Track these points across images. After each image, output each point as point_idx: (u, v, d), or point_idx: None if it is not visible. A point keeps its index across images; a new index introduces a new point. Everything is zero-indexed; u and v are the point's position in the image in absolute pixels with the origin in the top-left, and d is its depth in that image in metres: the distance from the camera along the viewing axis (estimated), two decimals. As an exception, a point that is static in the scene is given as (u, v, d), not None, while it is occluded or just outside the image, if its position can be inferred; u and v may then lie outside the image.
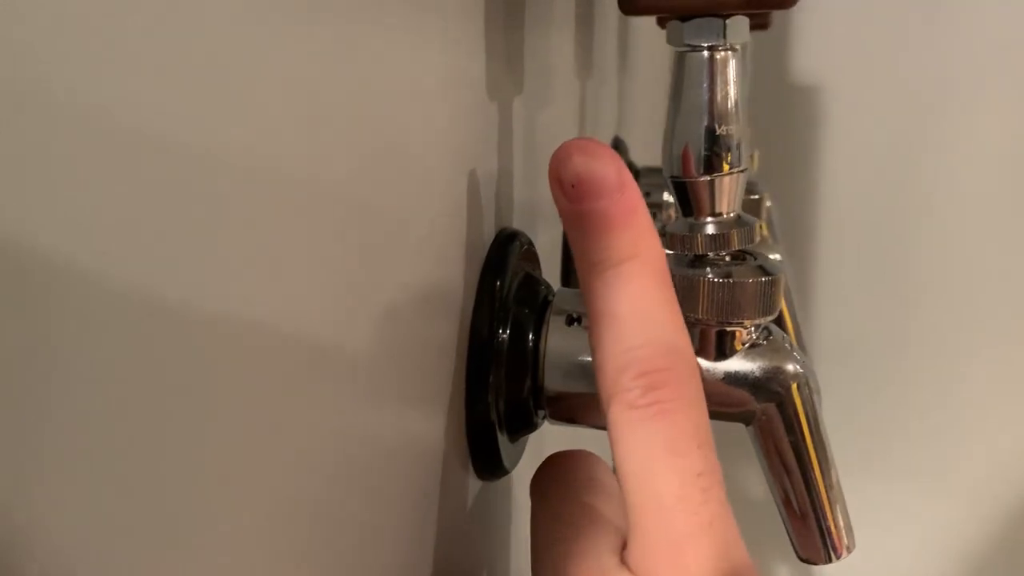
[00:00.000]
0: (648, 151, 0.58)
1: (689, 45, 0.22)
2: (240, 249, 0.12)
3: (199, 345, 0.11)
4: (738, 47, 0.23)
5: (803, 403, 0.24)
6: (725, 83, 0.22)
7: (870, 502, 0.94)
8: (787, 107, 0.86)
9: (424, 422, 0.21)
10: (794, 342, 0.40)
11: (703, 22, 0.22)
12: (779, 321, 0.40)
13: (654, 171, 0.54)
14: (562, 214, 0.20)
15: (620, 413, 0.19)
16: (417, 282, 0.20)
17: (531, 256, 0.28)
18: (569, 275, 0.37)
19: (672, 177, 0.24)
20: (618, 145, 0.54)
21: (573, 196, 0.20)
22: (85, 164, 0.09)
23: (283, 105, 0.13)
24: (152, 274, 0.10)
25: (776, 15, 0.84)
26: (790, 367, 0.24)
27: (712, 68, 0.22)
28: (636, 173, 0.53)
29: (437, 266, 0.21)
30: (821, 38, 0.84)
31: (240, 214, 0.12)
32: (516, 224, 0.28)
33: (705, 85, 0.22)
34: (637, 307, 0.19)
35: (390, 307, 0.18)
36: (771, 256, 0.39)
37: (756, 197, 0.37)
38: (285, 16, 0.13)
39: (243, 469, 0.13)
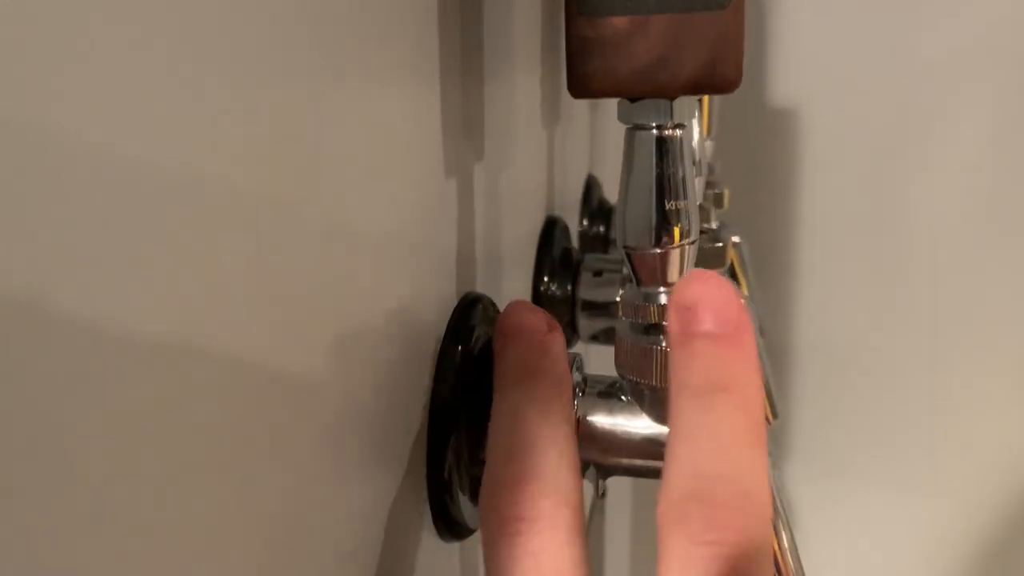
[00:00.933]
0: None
1: (637, 124, 0.23)
2: (194, 314, 0.13)
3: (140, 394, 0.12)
4: (686, 124, 0.24)
5: (755, 465, 0.24)
6: (673, 160, 0.23)
7: (854, 507, 0.95)
8: (765, 127, 0.87)
9: (383, 484, 0.22)
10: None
11: (650, 103, 0.23)
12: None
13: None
14: (671, 338, 0.20)
15: (677, 544, 0.18)
16: (378, 348, 0.20)
17: (494, 320, 0.28)
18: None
19: (625, 247, 0.24)
20: (591, 183, 0.54)
21: (687, 319, 0.20)
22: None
23: (237, 172, 0.14)
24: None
25: (752, 42, 0.85)
26: (742, 431, 0.24)
27: (661, 146, 0.23)
28: (610, 210, 0.54)
29: (398, 332, 0.22)
30: (797, 60, 0.85)
31: (186, 285, 0.13)
32: (480, 287, 0.29)
33: (654, 162, 0.23)
34: (719, 438, 0.18)
35: (350, 372, 0.19)
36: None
37: (720, 245, 0.38)
38: (241, 79, 0.14)
39: (186, 526, 0.13)
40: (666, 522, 0.18)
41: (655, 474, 0.25)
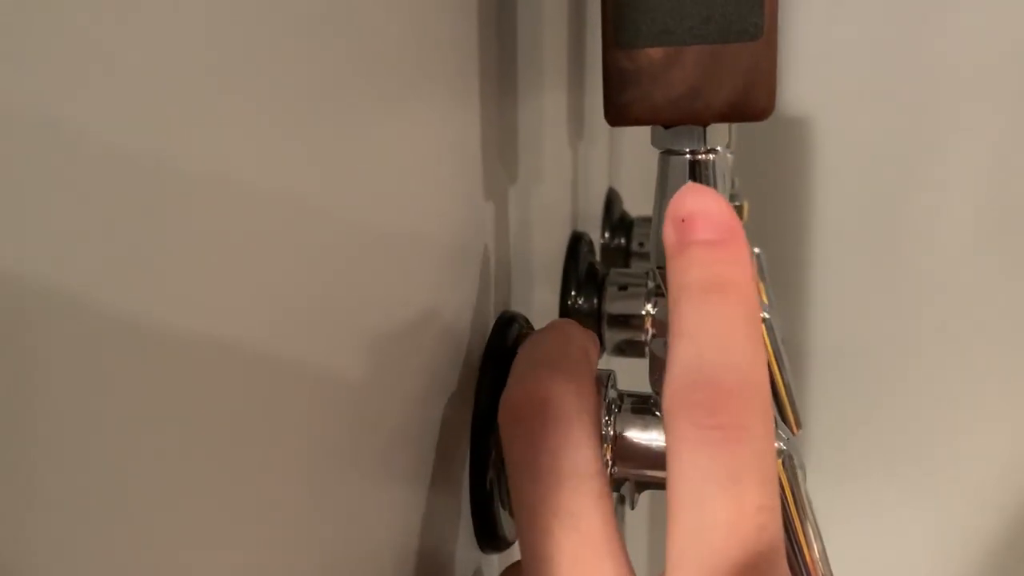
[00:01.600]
0: (641, 201, 0.60)
1: (671, 150, 0.24)
2: (238, 342, 0.14)
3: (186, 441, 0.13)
4: (719, 149, 0.24)
5: (788, 479, 0.25)
6: (706, 184, 0.24)
7: (871, 511, 0.95)
8: (781, 139, 0.88)
9: (429, 499, 0.23)
10: (785, 403, 0.41)
11: (684, 130, 0.23)
12: (771, 380, 0.41)
13: (647, 220, 0.55)
14: (668, 248, 0.21)
15: (683, 430, 0.18)
16: (424, 364, 0.21)
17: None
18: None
19: (659, 268, 0.25)
20: (612, 196, 0.55)
21: (683, 229, 0.20)
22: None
23: (281, 193, 0.15)
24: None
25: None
26: (776, 445, 0.25)
27: (694, 171, 0.24)
28: (630, 223, 0.55)
29: (440, 352, 0.23)
30: (813, 72, 0.86)
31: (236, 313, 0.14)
32: (515, 305, 0.29)
33: (688, 185, 0.24)
34: (720, 331, 0.19)
35: (398, 388, 0.20)
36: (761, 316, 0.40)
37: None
38: (290, 114, 0.15)
39: (236, 539, 0.14)
40: (672, 409, 0.18)
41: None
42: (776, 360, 0.40)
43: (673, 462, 0.18)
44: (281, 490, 0.15)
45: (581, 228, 0.44)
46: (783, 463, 0.25)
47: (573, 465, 0.21)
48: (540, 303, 0.35)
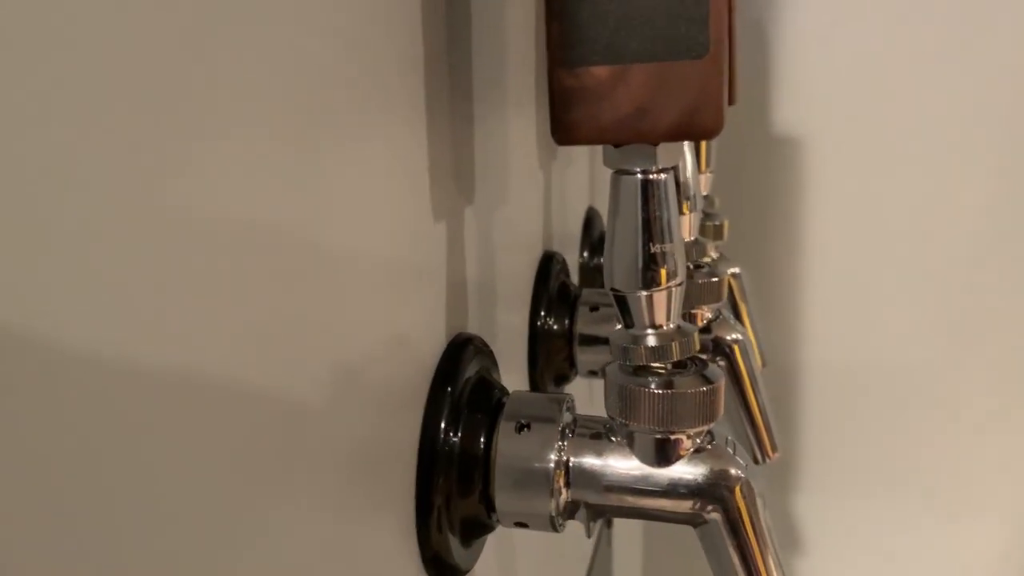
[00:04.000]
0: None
1: (622, 169, 0.23)
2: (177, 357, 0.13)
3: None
4: (672, 167, 0.24)
5: (746, 506, 0.24)
6: (659, 203, 0.23)
7: (866, 532, 0.94)
8: (769, 159, 0.88)
9: (372, 527, 0.22)
10: (760, 427, 0.41)
11: (634, 149, 0.23)
12: (745, 404, 0.40)
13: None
14: None
15: None
16: (367, 391, 0.21)
17: (488, 358, 0.29)
18: (536, 366, 0.38)
19: (613, 290, 0.25)
20: (592, 216, 0.55)
21: None
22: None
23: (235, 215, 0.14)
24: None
25: (755, 75, 0.86)
26: (732, 471, 0.24)
27: (646, 191, 0.23)
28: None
29: (387, 376, 0.22)
30: (800, 94, 0.86)
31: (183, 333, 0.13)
32: (473, 325, 0.29)
33: (639, 206, 0.24)
34: None
35: (340, 413, 0.19)
36: (731, 335, 0.40)
37: (716, 280, 0.38)
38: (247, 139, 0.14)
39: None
40: None
41: (644, 515, 0.25)
42: (751, 383, 0.39)
43: None
44: (209, 512, 0.14)
45: (557, 248, 0.43)
46: (740, 490, 0.24)
47: None
48: (506, 324, 0.35)
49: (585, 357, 0.40)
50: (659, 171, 0.23)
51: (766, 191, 0.89)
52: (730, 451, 0.25)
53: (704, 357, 0.25)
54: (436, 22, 0.24)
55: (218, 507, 0.15)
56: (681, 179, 0.38)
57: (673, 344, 0.24)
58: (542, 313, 0.39)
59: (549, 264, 0.40)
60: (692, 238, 0.39)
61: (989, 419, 0.87)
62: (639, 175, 0.23)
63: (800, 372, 0.92)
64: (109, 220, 0.12)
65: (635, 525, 0.97)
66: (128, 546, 0.12)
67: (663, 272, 0.24)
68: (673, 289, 0.24)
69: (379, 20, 0.21)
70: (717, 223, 0.52)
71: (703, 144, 0.52)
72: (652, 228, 0.24)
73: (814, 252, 0.89)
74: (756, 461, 0.40)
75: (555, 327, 0.39)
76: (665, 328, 0.24)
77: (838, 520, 0.94)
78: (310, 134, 0.17)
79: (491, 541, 0.31)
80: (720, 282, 0.39)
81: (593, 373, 0.40)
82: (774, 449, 0.40)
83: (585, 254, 0.52)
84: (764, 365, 0.54)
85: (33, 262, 0.10)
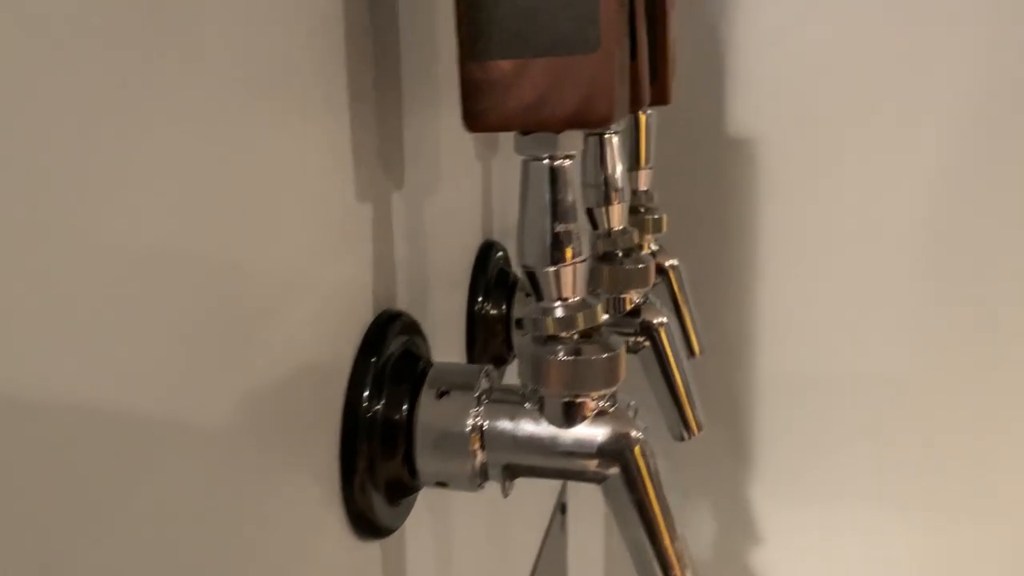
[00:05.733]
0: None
1: (530, 155, 0.26)
2: (93, 328, 0.15)
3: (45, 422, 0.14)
4: (575, 153, 0.26)
5: (645, 465, 0.27)
6: (563, 187, 0.26)
7: (824, 531, 0.96)
8: (725, 157, 0.91)
9: (298, 488, 0.24)
10: (684, 404, 0.43)
11: (539, 136, 0.25)
12: (670, 383, 0.43)
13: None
14: None
15: None
16: (287, 364, 0.23)
17: (417, 334, 0.31)
18: (474, 348, 0.40)
19: (524, 266, 0.27)
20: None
21: None
22: None
23: (156, 196, 0.16)
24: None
25: (709, 74, 0.89)
26: (632, 433, 0.27)
27: (552, 175, 0.26)
28: (556, 235, 0.57)
29: (309, 349, 0.24)
30: (755, 92, 0.88)
31: (99, 295, 0.15)
32: (403, 304, 0.31)
33: (547, 189, 0.26)
34: None
35: (258, 387, 0.21)
36: (657, 319, 0.42)
37: (642, 266, 0.41)
38: (167, 116, 0.16)
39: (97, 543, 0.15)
40: None
41: (555, 474, 0.27)
42: (675, 363, 0.42)
43: None
44: (138, 487, 0.16)
45: (499, 239, 0.45)
46: (640, 450, 0.26)
47: None
48: (443, 306, 0.37)
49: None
50: (564, 157, 0.26)
51: (721, 191, 0.92)
52: (630, 415, 0.27)
53: (606, 328, 0.27)
54: (359, 13, 0.26)
55: (148, 481, 0.17)
56: (609, 172, 0.41)
57: (579, 315, 0.27)
58: (480, 298, 0.41)
59: (488, 252, 0.42)
60: (621, 227, 0.41)
61: (941, 416, 0.90)
62: (546, 161, 0.26)
63: (754, 371, 0.94)
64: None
65: (596, 514, 0.99)
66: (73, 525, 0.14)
67: (569, 250, 0.26)
68: (578, 265, 0.26)
69: (299, 10, 0.23)
70: (656, 216, 0.55)
71: (643, 140, 0.54)
72: (558, 210, 0.26)
73: (768, 250, 0.92)
74: (681, 438, 0.43)
75: (493, 311, 0.42)
76: (571, 301, 0.27)
77: (792, 519, 0.97)
78: (225, 117, 0.19)
79: (442, 513, 0.33)
80: (647, 268, 0.41)
81: (529, 355, 0.42)
82: (699, 427, 0.43)
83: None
84: (701, 353, 0.57)
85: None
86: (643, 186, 0.55)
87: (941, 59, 0.84)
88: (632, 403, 0.28)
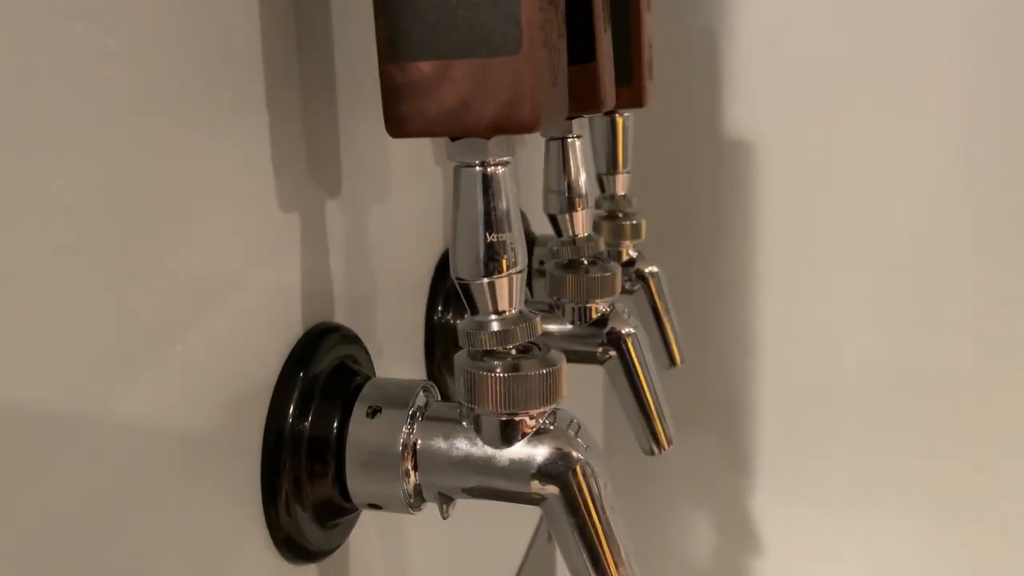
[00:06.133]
0: (545, 220, 0.60)
1: (461, 161, 0.24)
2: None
3: None
4: (508, 159, 0.25)
5: (587, 486, 0.25)
6: (496, 195, 0.24)
7: (824, 533, 0.95)
8: (714, 162, 0.89)
9: (218, 512, 0.23)
10: (654, 417, 0.41)
11: (469, 142, 0.24)
12: (638, 396, 0.41)
13: (550, 238, 0.56)
14: None
15: None
16: (202, 377, 0.22)
17: (357, 347, 0.29)
18: (433, 360, 0.39)
19: (458, 279, 0.25)
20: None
21: None
22: None
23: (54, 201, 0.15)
24: None
25: (710, 78, 0.87)
26: (573, 452, 0.25)
27: (484, 182, 0.24)
28: (533, 241, 0.55)
29: (229, 366, 0.23)
30: (751, 96, 0.87)
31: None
32: (342, 316, 0.30)
33: (479, 197, 0.24)
34: None
35: (170, 407, 0.20)
36: (625, 329, 0.41)
37: (609, 275, 0.40)
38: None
39: None
40: None
41: (493, 495, 0.26)
42: (644, 376, 0.40)
43: None
44: (55, 514, 0.15)
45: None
46: (581, 471, 0.25)
47: None
48: (396, 318, 0.35)
49: (485, 351, 0.41)
50: (496, 164, 0.24)
51: (716, 191, 0.90)
52: (571, 432, 0.26)
53: (542, 342, 0.26)
54: (283, 15, 0.25)
55: (63, 506, 0.15)
56: (572, 177, 0.39)
57: (516, 328, 0.25)
58: (440, 308, 0.40)
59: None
60: (586, 234, 0.40)
61: (941, 420, 0.88)
62: (477, 168, 0.24)
63: (752, 374, 0.93)
64: None
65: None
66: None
67: (503, 260, 0.25)
68: (514, 276, 0.25)
69: (214, 15, 0.22)
70: (635, 222, 0.53)
71: (619, 144, 0.53)
72: (491, 219, 0.25)
73: (765, 253, 0.91)
74: (652, 452, 0.41)
75: (453, 321, 0.40)
76: (508, 314, 0.25)
77: (791, 520, 0.95)
78: (141, 125, 0.18)
79: (395, 528, 0.32)
80: (613, 276, 0.40)
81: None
82: (669, 441, 0.41)
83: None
84: (682, 362, 0.55)
85: None
86: (621, 191, 0.54)
87: (938, 59, 0.82)
88: (574, 420, 0.27)
